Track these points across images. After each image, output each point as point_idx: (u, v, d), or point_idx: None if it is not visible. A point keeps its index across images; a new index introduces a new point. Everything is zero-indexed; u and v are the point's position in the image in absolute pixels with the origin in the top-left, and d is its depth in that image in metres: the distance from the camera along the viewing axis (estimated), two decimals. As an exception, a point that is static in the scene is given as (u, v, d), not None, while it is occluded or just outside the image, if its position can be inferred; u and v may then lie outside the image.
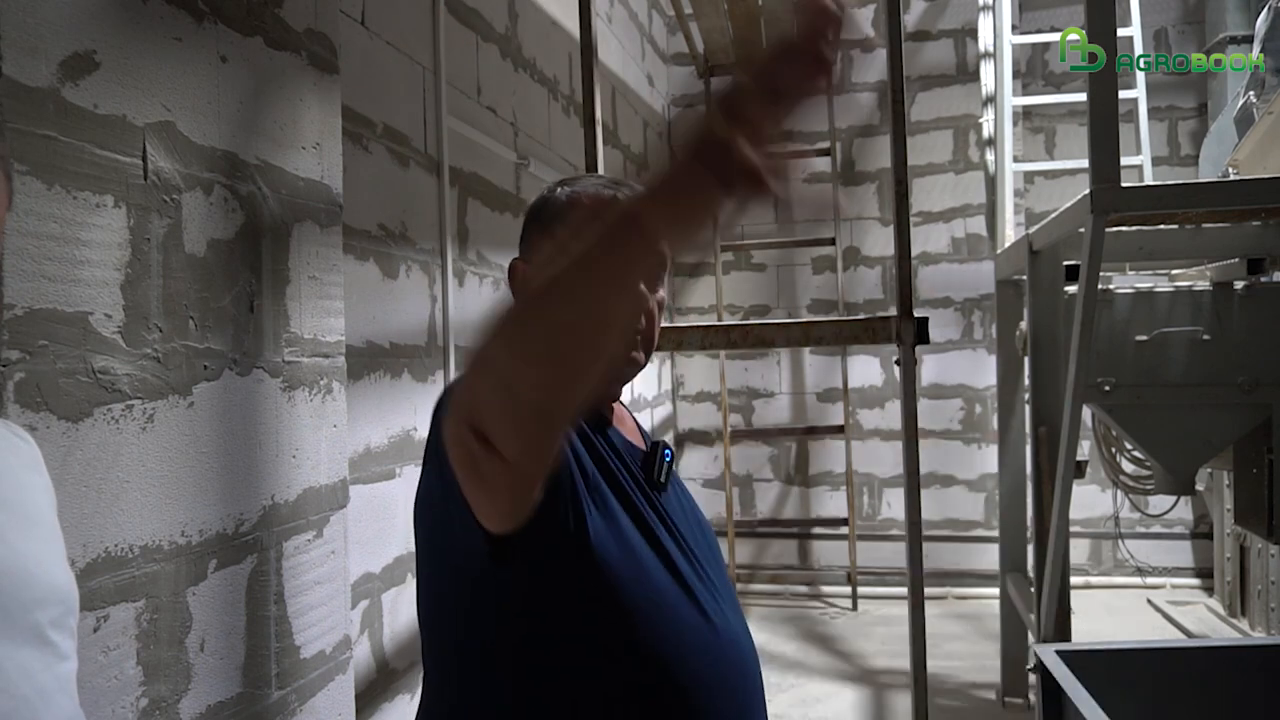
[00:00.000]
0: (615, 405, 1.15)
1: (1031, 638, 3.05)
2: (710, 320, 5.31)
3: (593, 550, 0.92)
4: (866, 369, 5.46)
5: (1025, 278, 3.12)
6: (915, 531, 2.44)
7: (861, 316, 3.88)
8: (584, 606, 0.93)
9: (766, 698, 1.07)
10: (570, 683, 0.93)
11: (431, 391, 2.58)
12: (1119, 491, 4.42)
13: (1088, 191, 2.25)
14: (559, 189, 1.11)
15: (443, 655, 1.01)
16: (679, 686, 0.94)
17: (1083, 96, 2.53)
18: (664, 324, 1.12)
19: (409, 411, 2.49)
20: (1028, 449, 3.37)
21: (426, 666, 1.04)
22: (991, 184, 3.96)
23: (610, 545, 0.94)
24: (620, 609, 0.93)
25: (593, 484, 0.96)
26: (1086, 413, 3.32)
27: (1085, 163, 2.30)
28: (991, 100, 4.03)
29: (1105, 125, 2.22)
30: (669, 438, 5.60)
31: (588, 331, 0.71)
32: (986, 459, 5.20)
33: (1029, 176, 5.15)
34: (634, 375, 1.13)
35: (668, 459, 1.08)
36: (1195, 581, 5.10)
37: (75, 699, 0.81)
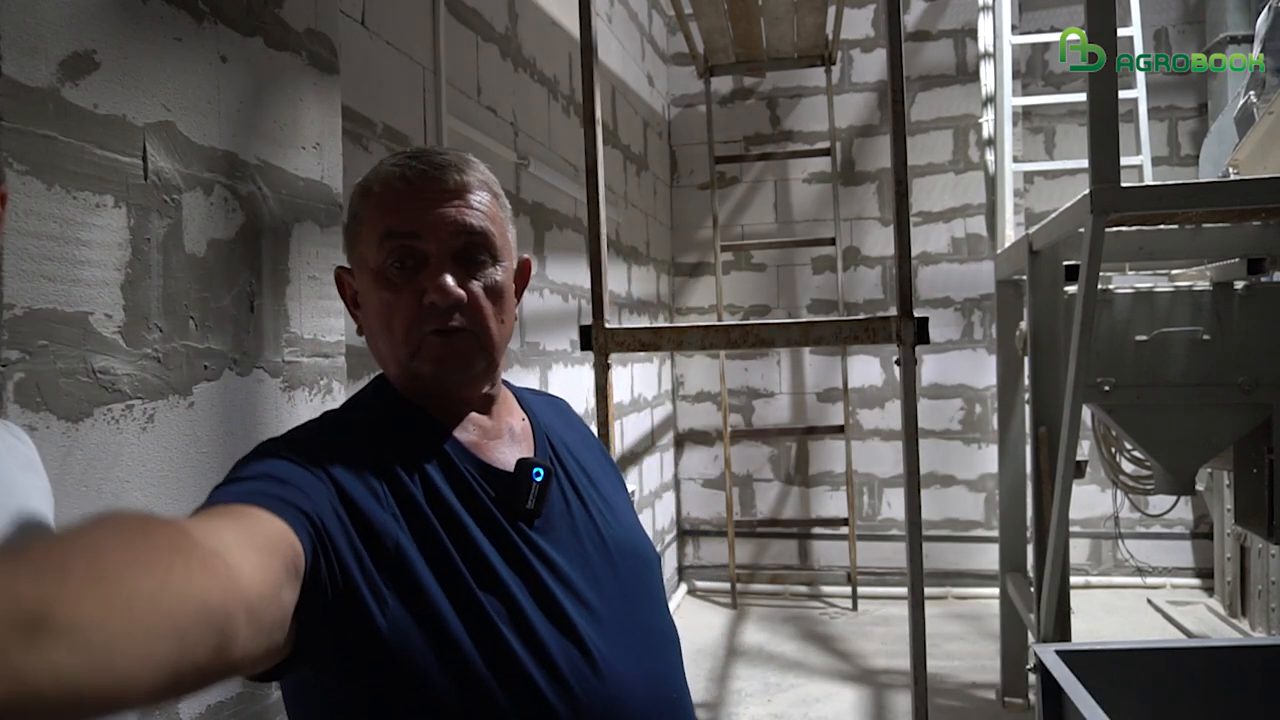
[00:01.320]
0: (486, 416, 0.97)
1: (1031, 638, 3.05)
2: (710, 320, 5.31)
3: (388, 646, 0.80)
4: (866, 369, 5.46)
5: (1025, 278, 3.12)
6: (915, 531, 2.44)
7: (861, 316, 3.88)
8: (392, 703, 0.81)
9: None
10: None
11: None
12: (1119, 491, 4.42)
13: (1088, 191, 2.25)
14: (363, 179, 0.96)
15: None
16: None
17: (1083, 96, 2.53)
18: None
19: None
20: (1028, 449, 3.37)
21: None
22: (991, 184, 3.96)
23: (413, 633, 0.81)
24: (433, 705, 0.81)
25: (392, 562, 0.82)
26: (1086, 413, 3.32)
27: (1085, 163, 2.29)
28: (991, 100, 4.03)
29: (1105, 125, 2.21)
30: (669, 438, 5.60)
31: None
32: (986, 459, 5.21)
33: (1029, 176, 5.15)
34: (462, 366, 0.93)
35: (538, 479, 0.91)
36: (1195, 581, 5.10)
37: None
